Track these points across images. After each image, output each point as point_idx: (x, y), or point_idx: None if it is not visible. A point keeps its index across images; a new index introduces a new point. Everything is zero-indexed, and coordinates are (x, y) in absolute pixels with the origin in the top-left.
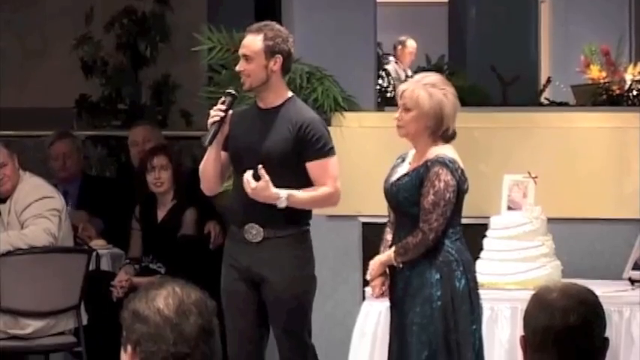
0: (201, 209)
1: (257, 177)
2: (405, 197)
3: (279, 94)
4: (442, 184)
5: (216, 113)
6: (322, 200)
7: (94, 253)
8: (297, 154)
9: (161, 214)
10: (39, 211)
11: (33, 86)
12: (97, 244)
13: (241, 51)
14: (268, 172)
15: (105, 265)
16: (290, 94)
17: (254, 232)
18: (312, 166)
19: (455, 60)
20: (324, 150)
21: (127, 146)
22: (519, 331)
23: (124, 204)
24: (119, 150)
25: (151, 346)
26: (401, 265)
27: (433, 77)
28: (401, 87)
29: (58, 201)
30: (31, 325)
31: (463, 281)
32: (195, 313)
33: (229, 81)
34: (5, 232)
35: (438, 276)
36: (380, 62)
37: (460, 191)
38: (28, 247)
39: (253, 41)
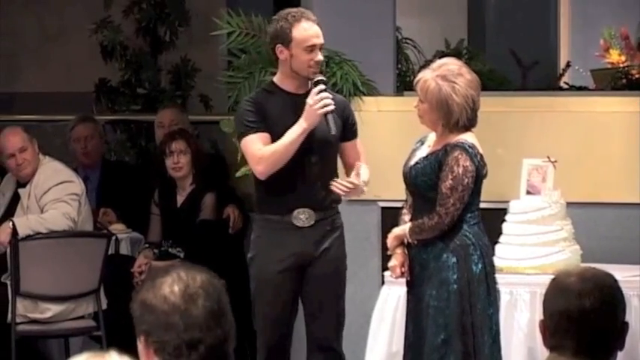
0: (220, 194)
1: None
2: (424, 181)
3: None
4: (461, 169)
5: (330, 102)
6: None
7: (114, 238)
8: (341, 135)
9: (180, 198)
10: (58, 195)
11: (52, 71)
12: (117, 228)
13: (318, 40)
14: (322, 157)
15: (124, 250)
16: None
17: (305, 216)
18: (351, 146)
19: (474, 44)
20: (356, 129)
21: (147, 130)
22: (538, 316)
23: (143, 188)
24: (139, 135)
25: (162, 335)
26: (416, 242)
27: (447, 66)
28: (418, 76)
29: (77, 185)
30: (51, 310)
31: (480, 265)
32: (202, 296)
33: (248, 65)
34: (25, 217)
35: (454, 259)
36: (399, 46)
37: (479, 176)
38: (47, 232)
39: (320, 31)
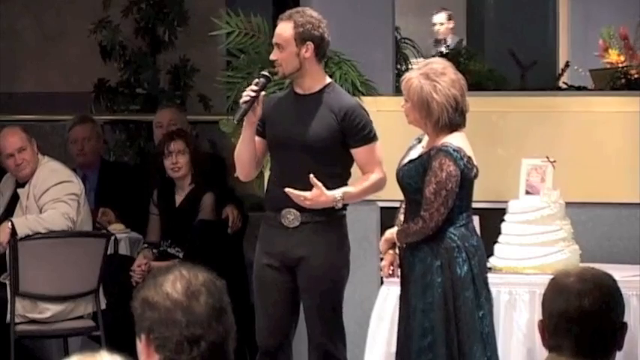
0: (219, 194)
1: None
2: (409, 183)
3: (317, 79)
4: (444, 174)
5: (247, 93)
6: (373, 189)
7: (113, 238)
8: (342, 141)
9: (179, 198)
10: (57, 195)
11: (51, 71)
12: (116, 228)
13: (274, 40)
14: (310, 159)
15: (123, 250)
16: (328, 79)
17: (291, 217)
18: (359, 152)
19: (473, 44)
20: (370, 135)
21: (146, 130)
22: (538, 316)
23: (142, 188)
24: (137, 135)
25: (164, 332)
26: (404, 245)
27: (431, 65)
28: (404, 75)
29: (76, 185)
30: (50, 310)
31: (465, 267)
32: (204, 294)
33: (247, 65)
34: (24, 217)
35: (438, 263)
36: (398, 46)
37: (467, 179)
38: (46, 232)
39: (284, 29)
